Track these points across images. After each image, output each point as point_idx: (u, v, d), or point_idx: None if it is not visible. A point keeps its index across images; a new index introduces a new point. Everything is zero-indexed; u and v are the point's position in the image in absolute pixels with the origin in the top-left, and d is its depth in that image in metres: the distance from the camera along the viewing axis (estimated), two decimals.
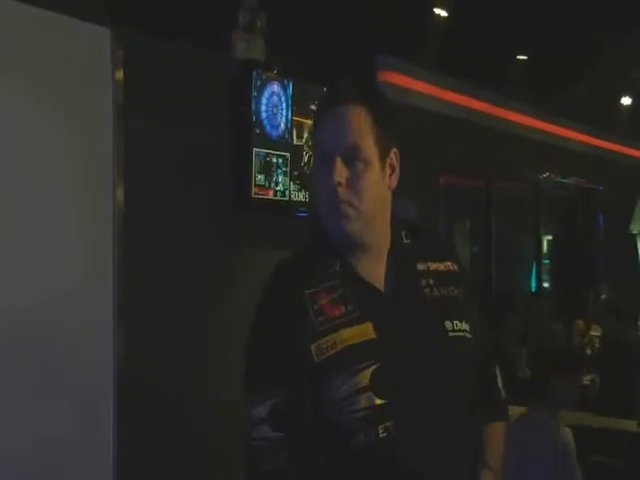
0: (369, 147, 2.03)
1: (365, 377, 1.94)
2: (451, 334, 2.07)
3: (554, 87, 7.84)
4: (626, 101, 9.93)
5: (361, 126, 2.03)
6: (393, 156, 2.10)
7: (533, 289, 9.54)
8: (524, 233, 9.51)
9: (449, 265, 2.19)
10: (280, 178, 4.94)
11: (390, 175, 2.10)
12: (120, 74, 4.00)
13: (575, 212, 10.55)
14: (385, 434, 1.95)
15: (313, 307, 2.01)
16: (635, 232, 12.06)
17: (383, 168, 2.07)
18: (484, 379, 2.25)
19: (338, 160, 2.00)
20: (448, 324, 2.07)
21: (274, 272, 2.14)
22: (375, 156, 2.04)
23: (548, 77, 7.60)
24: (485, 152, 7.65)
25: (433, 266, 2.15)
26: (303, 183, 5.04)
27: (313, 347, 1.97)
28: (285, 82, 4.96)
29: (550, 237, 10.23)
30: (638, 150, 11.85)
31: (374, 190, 2.04)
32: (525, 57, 7.25)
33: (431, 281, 2.11)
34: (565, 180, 9.81)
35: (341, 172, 2.00)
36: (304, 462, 2.04)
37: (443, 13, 5.77)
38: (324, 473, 2.02)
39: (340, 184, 2.00)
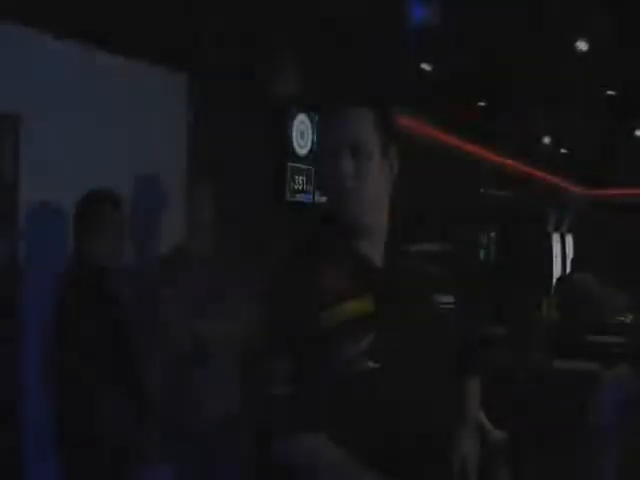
0: (372, 142, 1.63)
1: (363, 345, 1.56)
2: (439, 306, 1.75)
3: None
4: (546, 140, 9.56)
5: (365, 123, 1.64)
6: (392, 151, 1.69)
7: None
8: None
9: (436, 246, 1.85)
10: (307, 186, 4.63)
11: (390, 168, 1.69)
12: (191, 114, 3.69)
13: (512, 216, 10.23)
14: (380, 392, 1.57)
15: (321, 281, 1.61)
16: (550, 231, 12.20)
17: (384, 160, 1.66)
18: (465, 341, 1.89)
19: (344, 152, 1.62)
20: (437, 298, 1.74)
21: (293, 249, 1.74)
22: (377, 150, 1.64)
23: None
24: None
25: (423, 247, 1.84)
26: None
27: (322, 315, 1.57)
28: (311, 114, 4.65)
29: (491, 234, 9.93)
30: (553, 175, 11.65)
31: (375, 179, 1.65)
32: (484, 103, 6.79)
33: (422, 260, 1.77)
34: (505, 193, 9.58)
35: (347, 164, 1.61)
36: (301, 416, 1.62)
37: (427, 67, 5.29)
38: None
39: (345, 174, 1.61)
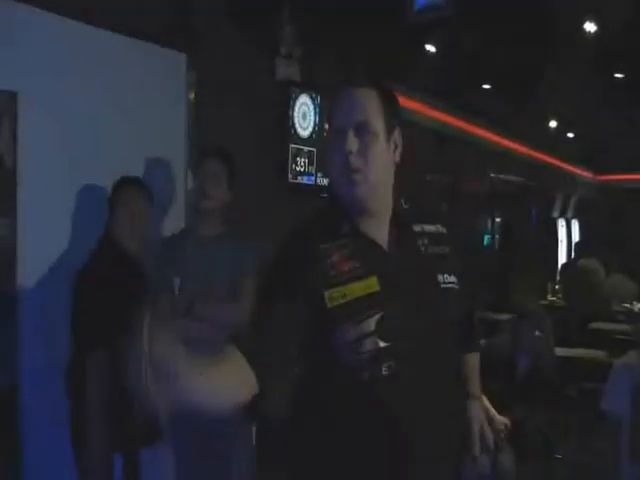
0: (376, 123, 1.67)
1: (370, 324, 1.59)
2: (442, 285, 1.73)
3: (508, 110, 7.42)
4: (552, 124, 9.51)
5: (371, 104, 1.68)
6: (397, 134, 1.73)
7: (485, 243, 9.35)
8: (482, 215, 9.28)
9: (439, 227, 1.82)
10: (308, 167, 4.61)
11: (394, 150, 1.73)
12: (192, 93, 3.67)
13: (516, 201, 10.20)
14: (388, 372, 1.59)
15: (327, 260, 1.63)
16: (555, 216, 12.12)
17: (388, 142, 1.70)
18: (467, 319, 1.92)
19: (350, 132, 1.65)
20: (440, 277, 1.74)
21: (296, 226, 1.76)
22: (382, 132, 1.68)
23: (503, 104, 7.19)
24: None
25: (427, 228, 1.79)
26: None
27: (327, 294, 1.60)
28: (313, 95, 4.63)
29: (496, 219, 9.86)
30: (558, 159, 11.67)
31: (380, 160, 1.68)
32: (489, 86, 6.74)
33: (425, 241, 1.77)
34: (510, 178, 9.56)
35: (352, 143, 1.65)
36: (308, 397, 1.71)
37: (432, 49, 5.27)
38: (328, 407, 1.66)
39: (351, 152, 1.64)
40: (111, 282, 2.71)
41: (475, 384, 1.99)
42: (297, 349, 1.60)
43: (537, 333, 3.86)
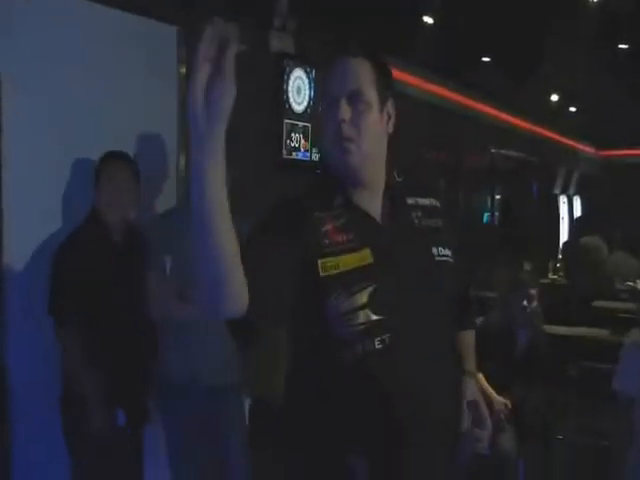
0: (370, 92, 1.68)
1: (363, 297, 1.60)
2: (437, 259, 1.74)
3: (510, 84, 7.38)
4: (554, 98, 9.46)
5: (364, 74, 1.68)
6: (390, 105, 1.74)
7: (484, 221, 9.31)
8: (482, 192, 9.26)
9: (433, 201, 1.83)
10: (303, 143, 4.59)
11: (387, 121, 1.74)
12: (183, 67, 3.62)
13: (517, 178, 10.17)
14: (381, 345, 1.60)
15: (320, 229, 1.64)
16: (557, 192, 12.08)
17: (381, 113, 1.71)
18: (462, 295, 1.94)
19: (343, 101, 1.66)
20: (434, 250, 1.75)
21: (288, 196, 1.76)
22: (375, 101, 1.68)
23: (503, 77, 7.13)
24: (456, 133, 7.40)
25: (420, 201, 1.81)
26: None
27: (320, 262, 1.60)
28: (308, 69, 4.58)
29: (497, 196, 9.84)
30: (560, 134, 11.66)
31: (373, 130, 1.68)
32: (488, 59, 6.69)
33: (419, 214, 1.79)
34: (510, 153, 9.53)
35: (345, 111, 1.65)
36: (300, 370, 1.72)
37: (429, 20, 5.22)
38: (322, 382, 1.66)
39: (344, 121, 1.65)
40: (87, 255, 2.82)
41: (470, 361, 2.00)
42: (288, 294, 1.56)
43: (524, 303, 3.85)
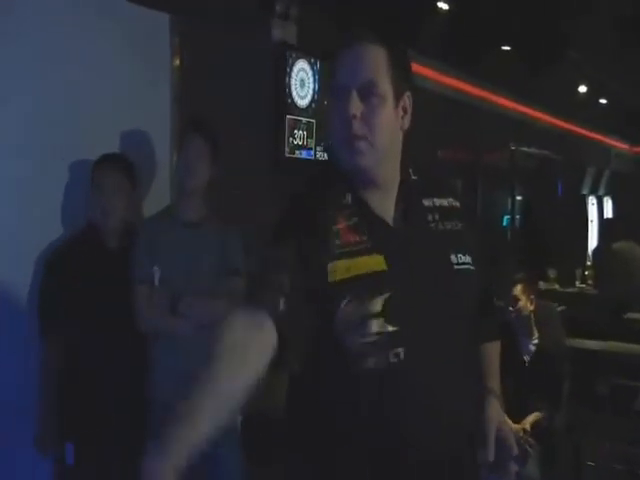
0: (384, 84, 1.65)
1: (377, 304, 1.58)
2: (456, 266, 1.72)
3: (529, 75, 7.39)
4: (582, 89, 9.47)
5: (377, 63, 1.65)
6: (406, 98, 1.71)
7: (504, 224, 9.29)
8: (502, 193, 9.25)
9: (452, 201, 1.82)
10: (307, 141, 4.60)
11: (402, 116, 1.71)
12: (177, 59, 3.68)
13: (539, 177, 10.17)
14: (395, 360, 1.58)
15: (333, 228, 1.64)
16: (585, 193, 12.03)
17: (396, 108, 1.69)
18: (483, 304, 1.89)
19: (354, 93, 1.63)
20: (453, 257, 1.73)
21: (299, 192, 1.77)
22: (389, 94, 1.66)
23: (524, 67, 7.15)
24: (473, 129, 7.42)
25: (438, 202, 1.79)
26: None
27: (330, 265, 1.60)
28: (312, 60, 4.62)
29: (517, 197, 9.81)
30: (589, 129, 11.65)
31: (387, 126, 1.67)
32: (508, 48, 6.71)
33: (436, 216, 1.77)
34: (533, 150, 9.51)
35: (356, 105, 1.63)
36: (306, 382, 1.70)
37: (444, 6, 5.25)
38: (330, 396, 1.65)
39: (355, 116, 1.63)
40: (75, 265, 2.93)
41: (494, 377, 1.96)
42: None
43: (510, 308, 3.89)
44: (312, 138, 4.63)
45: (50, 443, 2.92)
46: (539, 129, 9.60)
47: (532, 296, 3.98)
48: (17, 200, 2.95)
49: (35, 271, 3.00)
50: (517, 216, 9.57)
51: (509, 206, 9.31)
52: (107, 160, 3.05)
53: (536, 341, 3.95)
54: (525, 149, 9.17)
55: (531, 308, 3.95)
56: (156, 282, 2.95)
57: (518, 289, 3.95)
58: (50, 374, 2.90)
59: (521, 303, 3.93)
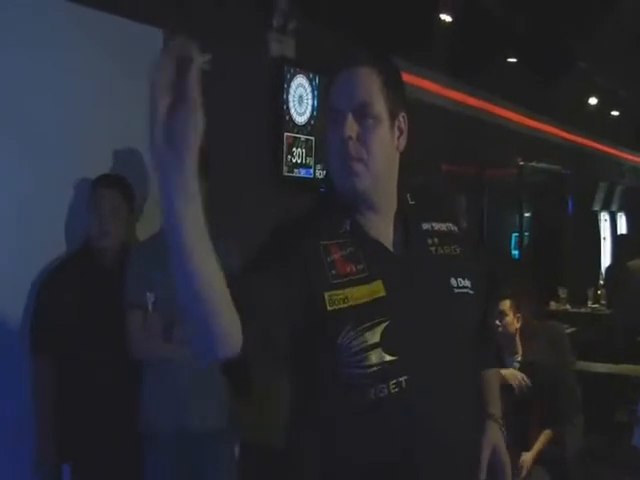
0: (379, 105, 1.72)
1: (375, 334, 1.62)
2: (456, 291, 1.77)
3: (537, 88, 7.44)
4: (592, 101, 9.53)
5: (371, 85, 1.72)
6: (402, 119, 1.78)
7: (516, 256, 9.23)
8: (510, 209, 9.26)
9: (450, 226, 1.88)
10: (306, 159, 4.66)
11: (398, 137, 1.78)
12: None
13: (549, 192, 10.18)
14: (396, 389, 1.62)
15: (327, 258, 1.68)
16: (597, 209, 12.03)
17: (392, 128, 1.76)
18: (483, 330, 1.97)
19: (349, 116, 1.70)
20: (453, 281, 1.77)
21: (291, 218, 1.81)
22: (385, 115, 1.73)
23: (533, 80, 7.20)
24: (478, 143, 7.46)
25: (437, 226, 1.85)
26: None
27: (326, 295, 1.63)
28: (311, 75, 4.69)
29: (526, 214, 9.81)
30: (600, 143, 11.66)
31: (383, 147, 1.73)
32: (515, 60, 6.78)
33: (436, 240, 1.82)
34: (541, 165, 9.54)
35: (352, 127, 1.69)
36: (305, 413, 1.74)
37: (447, 18, 5.32)
38: (327, 427, 1.69)
39: (351, 138, 1.69)
40: (69, 283, 3.07)
41: (494, 404, 2.02)
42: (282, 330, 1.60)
43: (497, 322, 3.92)
44: (311, 156, 4.67)
45: (47, 463, 3.00)
46: (548, 143, 9.63)
47: (519, 314, 4.01)
48: (16, 219, 3.05)
49: (32, 289, 3.11)
50: (526, 233, 9.59)
51: (517, 223, 9.34)
52: (105, 181, 3.17)
53: (519, 359, 3.98)
54: (534, 164, 9.21)
55: (517, 326, 4.00)
56: (150, 308, 3.01)
57: (506, 304, 3.99)
58: (41, 392, 3.00)
59: (508, 319, 3.97)
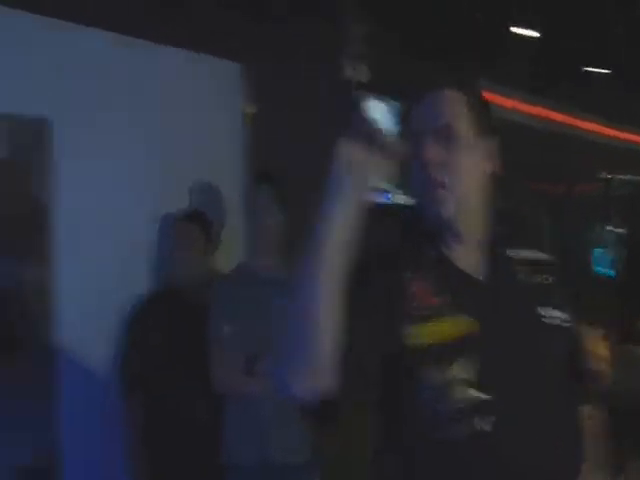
0: (463, 128, 1.64)
1: (461, 370, 1.55)
2: (548, 322, 1.68)
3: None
4: None
5: (455, 108, 1.66)
6: (489, 142, 1.69)
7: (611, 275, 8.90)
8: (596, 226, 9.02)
9: (539, 253, 1.80)
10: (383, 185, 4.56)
11: (486, 161, 1.69)
12: (251, 106, 3.84)
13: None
14: (483, 429, 1.54)
15: (409, 291, 1.61)
16: None
17: (479, 152, 1.67)
18: (576, 364, 1.78)
19: (430, 138, 1.62)
20: (544, 313, 1.68)
21: (371, 250, 1.70)
22: (469, 139, 1.64)
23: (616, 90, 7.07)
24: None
25: (525, 254, 1.76)
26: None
27: (408, 330, 1.57)
28: (385, 99, 4.54)
29: (615, 229, 9.41)
30: None
31: (468, 172, 1.65)
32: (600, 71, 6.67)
33: (526, 269, 1.72)
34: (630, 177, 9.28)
35: (434, 150, 1.62)
36: (388, 454, 1.67)
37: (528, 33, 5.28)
38: (412, 468, 1.61)
39: (431, 161, 1.62)
40: (156, 326, 3.14)
41: (594, 444, 1.85)
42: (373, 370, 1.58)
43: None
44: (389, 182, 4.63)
45: None
46: (636, 155, 9.44)
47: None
48: (98, 257, 3.10)
49: (117, 327, 3.16)
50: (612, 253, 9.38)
51: (602, 239, 9.11)
52: (187, 217, 3.25)
53: None
54: (620, 177, 9.05)
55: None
56: (231, 342, 3.04)
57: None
58: (134, 432, 3.09)
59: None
